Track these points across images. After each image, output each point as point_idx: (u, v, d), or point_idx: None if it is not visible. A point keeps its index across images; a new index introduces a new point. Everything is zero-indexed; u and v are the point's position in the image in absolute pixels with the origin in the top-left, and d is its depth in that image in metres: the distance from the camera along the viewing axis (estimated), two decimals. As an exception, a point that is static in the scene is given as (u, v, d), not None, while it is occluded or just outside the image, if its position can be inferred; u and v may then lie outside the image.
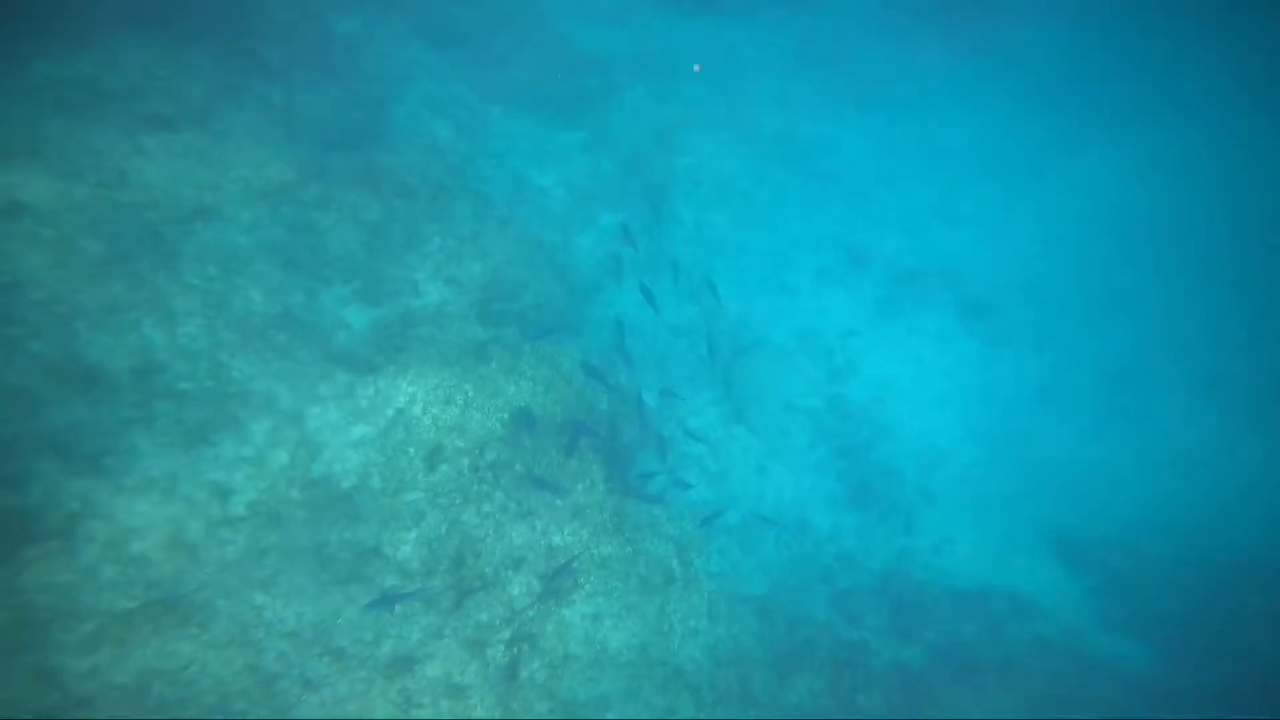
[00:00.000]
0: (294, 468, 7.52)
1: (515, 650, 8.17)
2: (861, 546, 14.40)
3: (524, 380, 9.66)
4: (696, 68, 15.41)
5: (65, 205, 7.74)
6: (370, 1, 13.20)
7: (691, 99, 15.14)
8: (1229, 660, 11.48)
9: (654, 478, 11.70)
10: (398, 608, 7.46)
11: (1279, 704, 10.17)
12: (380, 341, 9.09)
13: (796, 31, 17.52)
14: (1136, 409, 17.94)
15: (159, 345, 7.25)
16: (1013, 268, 17.69)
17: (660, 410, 12.45)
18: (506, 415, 9.29)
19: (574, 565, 9.36)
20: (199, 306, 7.77)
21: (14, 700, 5.53)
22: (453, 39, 13.50)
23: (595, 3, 15.22)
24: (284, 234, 9.20)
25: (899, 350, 15.44)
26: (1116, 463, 16.99)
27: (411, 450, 8.40)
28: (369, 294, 9.57)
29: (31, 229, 7.43)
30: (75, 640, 5.94)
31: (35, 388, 6.60)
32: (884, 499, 14.69)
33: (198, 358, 7.41)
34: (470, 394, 9.09)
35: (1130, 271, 19.31)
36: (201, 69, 10.39)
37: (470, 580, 8.34)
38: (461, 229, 10.70)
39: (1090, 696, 10.79)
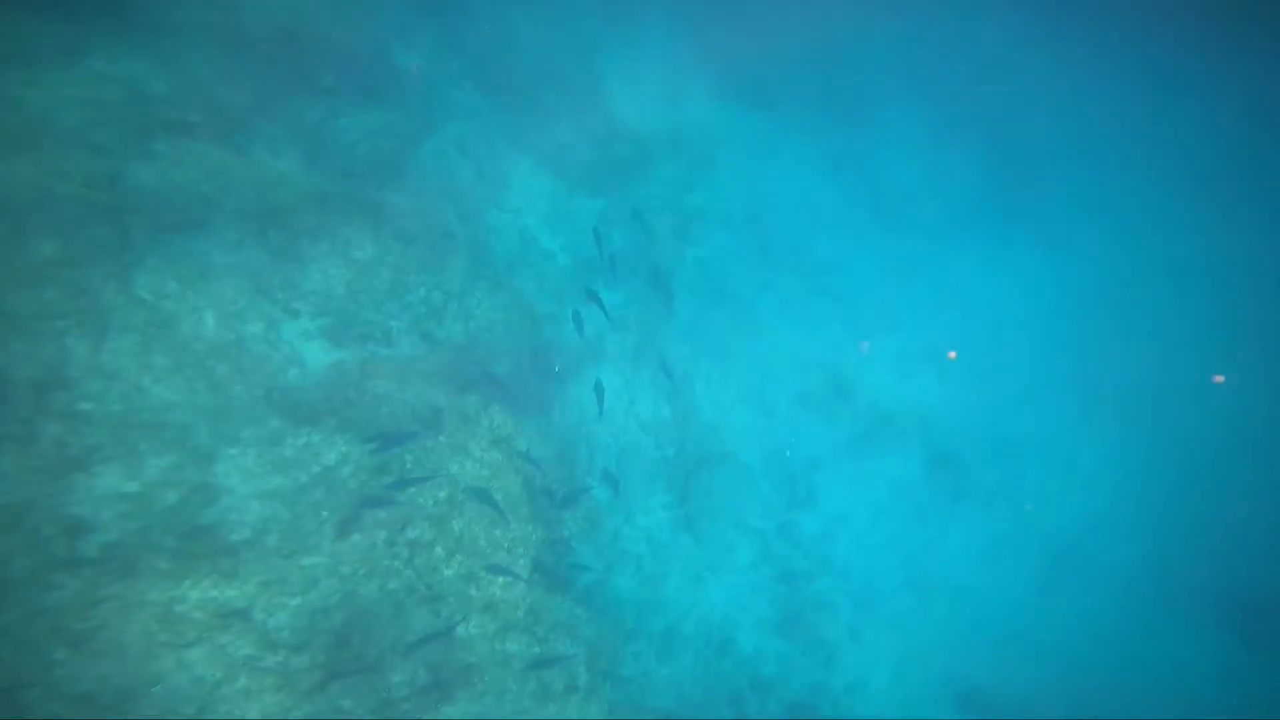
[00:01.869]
0: (180, 512, 6.57)
1: (371, 747, 7.16)
2: (779, 674, 13.51)
3: (470, 460, 8.78)
4: None
5: (35, 201, 6.88)
6: (438, 39, 12.55)
7: (717, 189, 14.54)
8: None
9: (587, 571, 10.83)
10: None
11: None
12: (331, 389, 8.22)
13: (835, 139, 16.98)
14: (1072, 586, 17.34)
15: (76, 360, 6.36)
16: (990, 423, 17.05)
17: (608, 503, 11.57)
18: (443, 494, 8.37)
19: (472, 659, 8.41)
20: (140, 324, 6.90)
21: None
22: (504, 87, 12.86)
23: (650, 77, 14.66)
24: (265, 258, 8.39)
25: (860, 489, 14.68)
26: (1041, 632, 16.37)
27: (326, 514, 7.46)
28: (336, 334, 8.73)
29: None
30: None
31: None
32: (812, 631, 13.85)
33: (115, 378, 6.51)
34: (408, 465, 8.18)
35: (1093, 446, 18.78)
36: (249, 81, 9.67)
37: (346, 662, 7.35)
38: (452, 283, 9.90)
39: None
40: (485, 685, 8.59)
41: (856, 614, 14.61)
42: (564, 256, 12.14)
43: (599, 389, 10.21)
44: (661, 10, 15.55)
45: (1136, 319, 19.36)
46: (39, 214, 6.96)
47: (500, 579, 8.68)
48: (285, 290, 8.44)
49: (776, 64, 15.74)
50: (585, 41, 14.04)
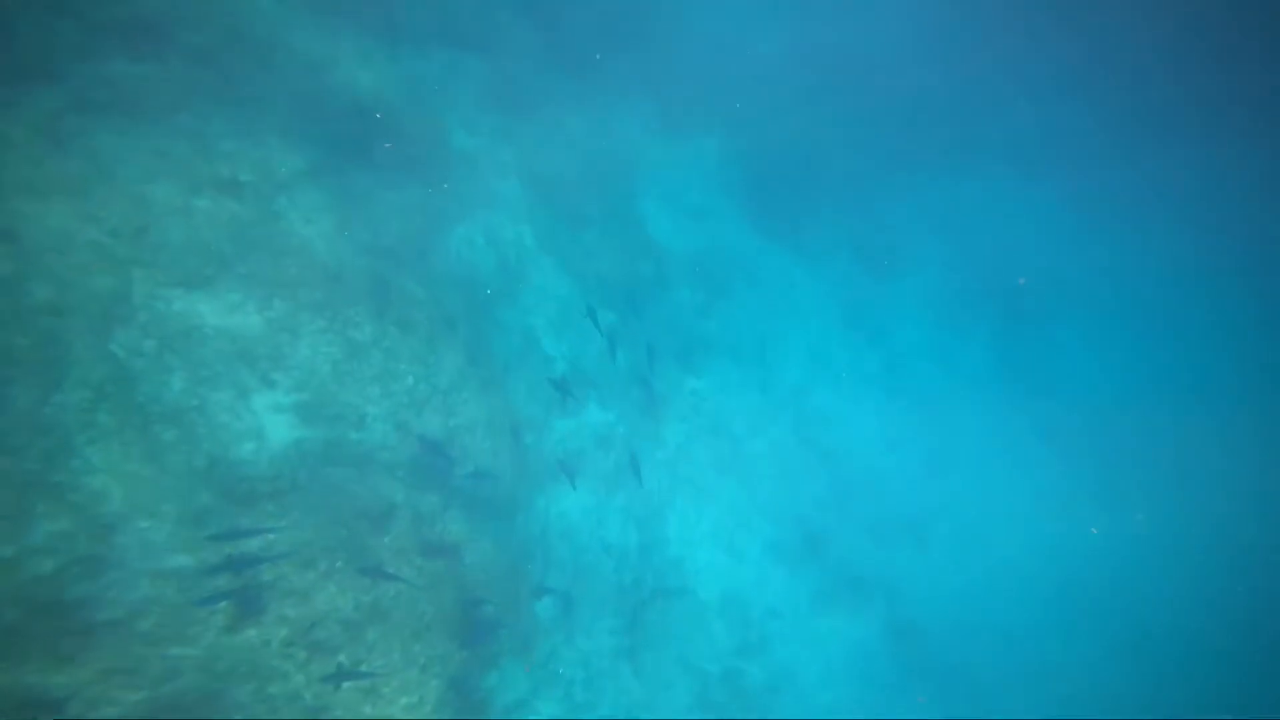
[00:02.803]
0: (48, 583, 6.01)
1: None
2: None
3: (409, 569, 8.29)
4: None
5: (54, 245, 6.87)
6: (497, 129, 12.85)
7: (730, 321, 14.39)
8: None
9: (506, 692, 10.11)
10: None
11: None
12: (283, 468, 7.88)
13: (855, 288, 16.89)
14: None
15: (16, 408, 6.09)
16: (961, 603, 16.18)
17: (551, 621, 10.93)
18: (368, 599, 7.87)
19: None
20: (99, 379, 6.70)
21: None
22: (546, 184, 13.05)
23: (684, 192, 14.78)
24: (260, 326, 8.24)
25: (815, 647, 13.83)
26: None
27: (225, 604, 6.91)
28: (308, 411, 8.46)
29: (-1, 255, 6.52)
30: None
31: None
32: (734, 796, 12.78)
33: (47, 433, 6.23)
34: (338, 565, 7.73)
35: (1065, 643, 17.72)
36: (311, 147, 9.84)
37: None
38: (442, 377, 9.69)
39: None
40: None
41: (785, 781, 13.53)
42: (563, 364, 11.93)
43: (566, 468, 10.14)
44: (712, 134, 15.87)
45: (1128, 526, 18.60)
46: (47, 257, 6.89)
47: (405, 697, 8.05)
48: (269, 360, 8.25)
49: (812, 203, 15.91)
50: (632, 151, 14.30)
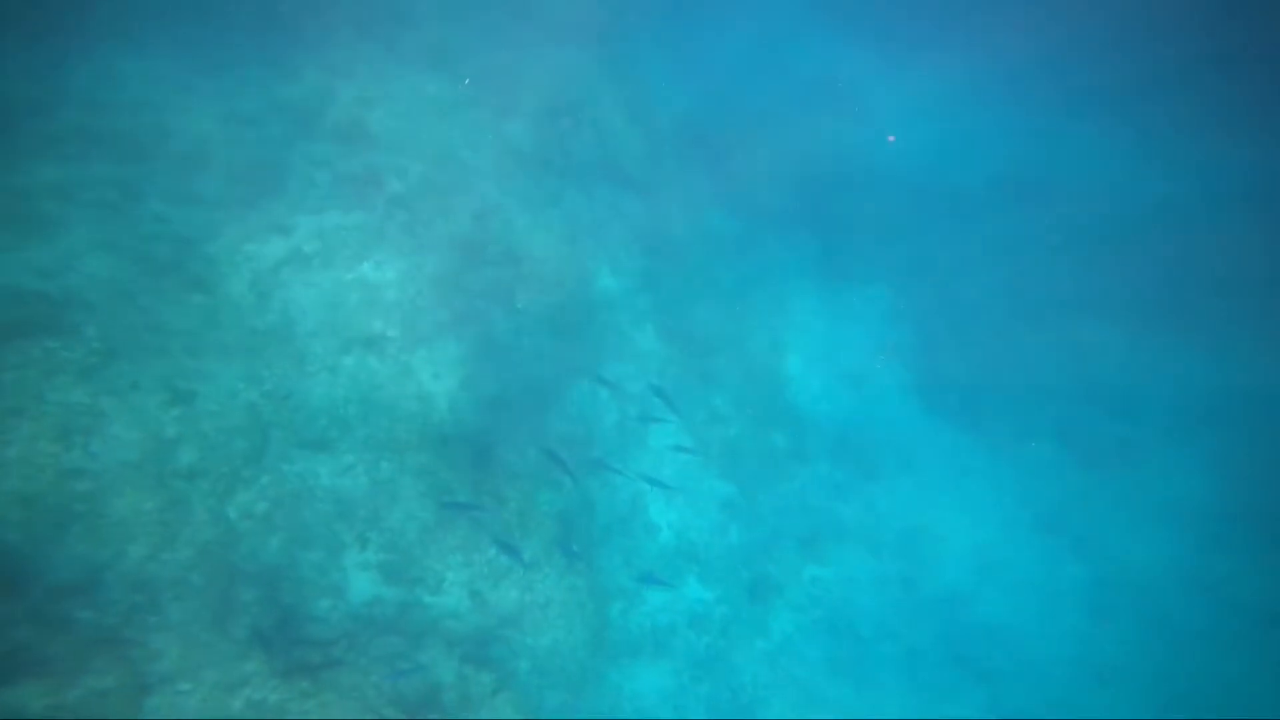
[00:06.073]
0: None
1: None
2: None
3: (437, 769, 7.78)
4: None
5: (217, 408, 7.69)
6: (642, 274, 12.41)
7: (871, 506, 12.01)
8: None
9: None
10: None
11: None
12: (342, 632, 7.87)
13: (1050, 484, 13.00)
14: None
15: (124, 566, 6.73)
16: None
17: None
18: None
19: None
20: (206, 540, 7.22)
21: None
22: (681, 338, 12.21)
23: (840, 351, 12.80)
24: (365, 488, 8.48)
25: None
26: None
27: None
28: (392, 571, 8.49)
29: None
30: None
31: None
32: None
33: (140, 589, 6.76)
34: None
35: None
36: (458, 297, 10.25)
37: None
38: (527, 551, 9.18)
39: None
40: None
41: None
42: (669, 535, 10.83)
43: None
44: (882, 280, 13.63)
45: None
46: (205, 421, 7.72)
47: None
48: (366, 521, 8.48)
49: (1003, 378, 12.73)
50: (779, 302, 12.79)
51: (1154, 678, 10.93)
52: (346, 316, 9.07)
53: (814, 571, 11.34)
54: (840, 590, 11.37)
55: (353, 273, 9.41)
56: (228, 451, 7.88)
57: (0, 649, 6.00)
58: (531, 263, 11.52)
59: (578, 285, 12.12)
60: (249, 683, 7.26)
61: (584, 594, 9.76)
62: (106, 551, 6.91)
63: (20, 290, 7.56)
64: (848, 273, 13.53)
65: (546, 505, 9.88)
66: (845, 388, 12.48)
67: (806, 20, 18.32)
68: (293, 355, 8.76)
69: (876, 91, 17.24)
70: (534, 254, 11.56)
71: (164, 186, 8.63)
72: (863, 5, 17.71)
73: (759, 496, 11.36)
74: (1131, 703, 10.85)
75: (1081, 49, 16.19)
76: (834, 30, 18.10)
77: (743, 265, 12.99)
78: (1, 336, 7.12)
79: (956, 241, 13.69)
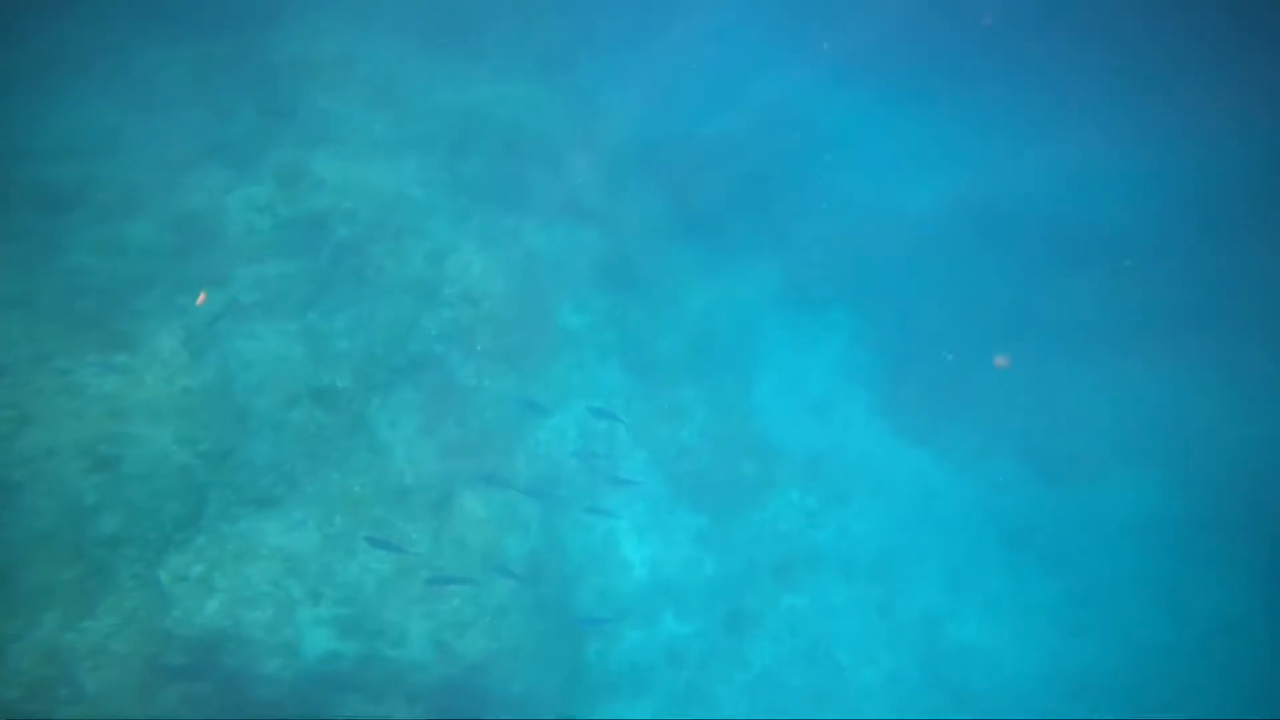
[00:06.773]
0: None
1: None
2: None
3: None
4: None
5: (145, 471, 7.17)
6: (606, 311, 12.11)
7: (844, 532, 11.86)
8: None
9: None
10: None
11: None
12: (294, 690, 7.33)
13: (1015, 500, 12.93)
14: None
15: (38, 637, 6.12)
16: None
17: None
18: None
19: None
20: (132, 606, 6.64)
21: None
22: (647, 371, 11.98)
23: (805, 380, 12.73)
24: (316, 544, 8.06)
25: None
26: None
27: None
28: (349, 626, 8.01)
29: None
30: None
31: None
32: None
33: (52, 660, 6.15)
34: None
35: None
36: (416, 340, 9.77)
37: None
38: (493, 599, 8.91)
39: None
40: None
41: None
42: (642, 571, 10.49)
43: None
44: (841, 305, 13.63)
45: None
46: (130, 486, 7.17)
47: None
48: (319, 576, 7.97)
49: (965, 395, 12.79)
50: (743, 331, 12.67)
51: (1124, 690, 10.93)
52: (291, 369, 8.57)
53: (790, 600, 11.10)
54: (817, 618, 11.14)
55: (297, 323, 8.93)
56: (157, 517, 7.34)
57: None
58: (491, 302, 11.15)
59: (540, 323, 11.80)
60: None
61: (555, 638, 9.34)
62: (16, 623, 6.32)
63: (-74, 353, 6.96)
64: (809, 299, 13.51)
65: (515, 548, 9.46)
66: (812, 414, 12.37)
67: (763, 46, 18.47)
68: (232, 413, 8.24)
69: (835, 116, 17.43)
70: (493, 293, 11.20)
71: (88, 237, 8.07)
72: (823, 32, 17.86)
73: (732, 527, 11.12)
74: (1104, 716, 10.82)
75: (1039, 74, 16.64)
76: (793, 55, 18.25)
77: (705, 295, 12.86)
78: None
79: (917, 265, 13.83)
